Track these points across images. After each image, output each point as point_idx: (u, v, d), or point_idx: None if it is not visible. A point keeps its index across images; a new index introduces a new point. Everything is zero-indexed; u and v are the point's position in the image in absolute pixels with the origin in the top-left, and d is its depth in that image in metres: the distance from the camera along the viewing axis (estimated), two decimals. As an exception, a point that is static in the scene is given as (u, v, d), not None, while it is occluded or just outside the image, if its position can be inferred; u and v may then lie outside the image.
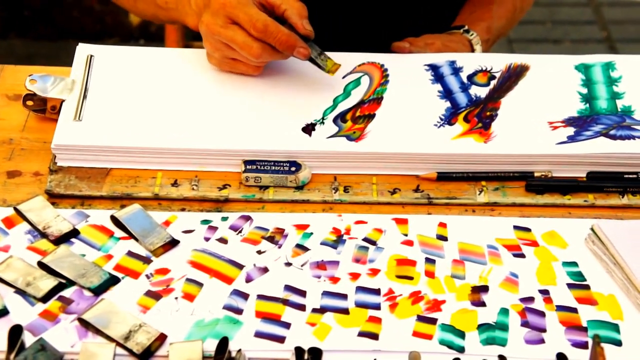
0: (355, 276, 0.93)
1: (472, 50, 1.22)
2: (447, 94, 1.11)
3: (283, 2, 1.06)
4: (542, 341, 0.88)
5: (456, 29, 1.24)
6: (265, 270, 0.93)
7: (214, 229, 0.97)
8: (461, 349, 0.87)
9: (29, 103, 1.09)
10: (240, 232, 0.97)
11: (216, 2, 1.05)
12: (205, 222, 0.98)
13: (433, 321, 0.89)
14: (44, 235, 0.96)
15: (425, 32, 1.22)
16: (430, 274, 0.94)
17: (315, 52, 1.06)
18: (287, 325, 0.88)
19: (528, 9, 1.34)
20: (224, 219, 0.98)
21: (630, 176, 1.04)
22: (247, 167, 1.02)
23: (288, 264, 0.94)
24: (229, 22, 1.04)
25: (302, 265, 0.94)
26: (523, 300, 0.91)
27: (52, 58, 2.66)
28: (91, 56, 1.13)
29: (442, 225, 0.99)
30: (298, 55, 1.04)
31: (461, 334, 0.88)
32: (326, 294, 0.91)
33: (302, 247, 0.96)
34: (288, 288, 0.92)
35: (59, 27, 2.78)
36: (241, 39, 1.04)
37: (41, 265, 0.92)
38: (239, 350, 0.85)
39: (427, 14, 1.28)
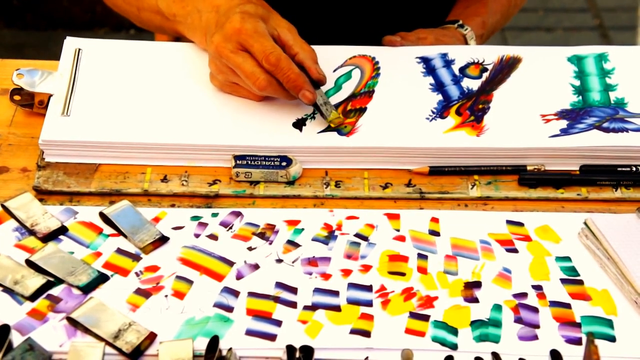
0: (346, 272, 0.92)
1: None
2: (439, 86, 1.10)
3: (295, 44, 1.04)
4: (535, 337, 0.87)
5: (450, 24, 1.23)
6: (256, 267, 0.93)
7: (204, 225, 0.96)
8: (454, 346, 0.86)
9: (16, 98, 1.08)
10: (230, 228, 0.96)
11: (231, 27, 1.02)
12: (195, 218, 0.97)
13: (426, 318, 0.88)
14: (31, 232, 0.94)
15: (419, 26, 1.21)
16: (422, 270, 0.93)
17: (322, 99, 1.03)
18: (278, 323, 0.87)
19: (522, 4, 1.32)
20: (214, 215, 0.97)
21: (624, 169, 1.03)
22: (238, 162, 1.01)
23: (279, 261, 0.93)
24: (239, 49, 1.02)
25: (293, 262, 0.93)
26: (516, 296, 0.91)
27: (41, 48, 2.64)
28: (79, 50, 1.11)
29: (435, 220, 0.98)
30: (303, 98, 1.02)
31: (454, 331, 0.87)
32: (318, 290, 0.90)
33: (293, 244, 0.95)
34: (279, 285, 0.91)
35: (48, 17, 2.76)
36: (249, 68, 1.01)
37: (29, 263, 0.91)
38: (230, 349, 0.84)
39: (421, 7, 1.26)
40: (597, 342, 0.83)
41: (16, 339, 0.84)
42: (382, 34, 1.16)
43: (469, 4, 1.25)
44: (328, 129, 1.04)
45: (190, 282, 0.91)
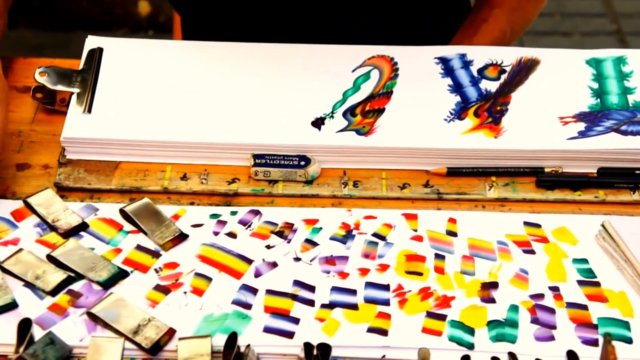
0: (364, 272, 0.93)
1: None
2: (457, 88, 1.10)
3: None
4: (552, 338, 0.87)
5: None
6: (274, 265, 0.93)
7: (223, 223, 0.97)
8: (471, 346, 0.87)
9: (38, 95, 1.09)
10: (249, 226, 0.97)
11: None
12: (214, 216, 0.98)
13: (442, 317, 0.89)
14: (53, 228, 0.95)
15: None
16: (439, 270, 0.93)
17: None
18: (296, 321, 0.88)
19: (525, 28, 1.31)
20: (233, 213, 0.98)
21: (642, 172, 1.03)
22: (257, 161, 1.02)
23: (297, 259, 0.94)
24: None
25: (311, 260, 0.94)
26: (533, 296, 0.91)
27: (60, 48, 2.66)
28: (100, 48, 1.12)
29: (452, 220, 0.98)
30: None
31: (471, 331, 0.88)
32: (335, 289, 0.91)
33: (311, 242, 0.96)
34: (297, 283, 0.91)
35: (67, 18, 2.78)
36: None
37: (50, 258, 0.92)
38: (248, 346, 0.84)
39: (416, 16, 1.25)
40: (614, 343, 0.84)
41: (37, 333, 0.85)
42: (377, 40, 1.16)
43: (459, 40, 1.24)
44: (347, 128, 1.05)
45: (209, 279, 0.91)
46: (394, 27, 1.23)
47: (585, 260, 0.95)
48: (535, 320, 0.89)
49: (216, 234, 0.96)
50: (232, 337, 0.84)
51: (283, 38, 1.15)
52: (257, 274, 0.92)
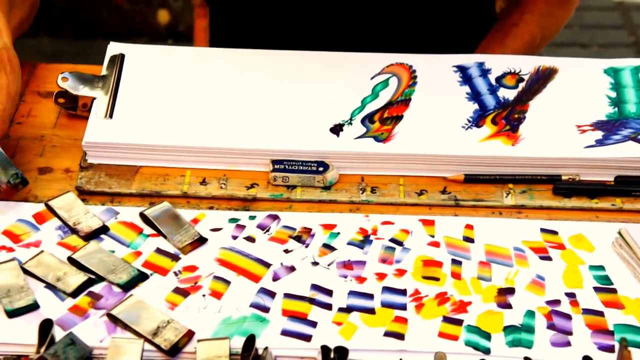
0: (381, 276, 0.94)
1: None
2: (475, 95, 1.11)
3: None
4: (568, 344, 0.88)
5: None
6: (292, 269, 0.94)
7: (241, 227, 0.98)
8: (487, 351, 0.87)
9: (60, 100, 1.10)
10: (267, 231, 0.98)
11: None
12: (233, 220, 0.99)
13: (459, 322, 0.89)
14: (74, 231, 0.97)
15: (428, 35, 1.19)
16: (456, 275, 0.94)
17: None
18: (313, 324, 0.89)
19: (555, 34, 1.31)
20: (252, 217, 0.99)
21: (659, 180, 1.03)
22: (275, 166, 1.03)
23: (315, 264, 0.95)
24: None
25: (328, 265, 0.95)
26: (549, 302, 0.91)
27: (79, 57, 2.68)
28: (122, 55, 1.14)
29: (469, 227, 0.99)
30: None
31: (487, 336, 0.88)
32: (352, 293, 0.92)
33: (329, 247, 0.96)
34: (315, 287, 0.92)
35: (87, 27, 2.80)
36: None
37: (71, 260, 0.93)
38: (266, 348, 0.85)
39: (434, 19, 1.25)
40: (630, 349, 0.84)
41: (58, 333, 0.86)
42: (395, 45, 1.16)
43: (489, 44, 1.25)
44: (365, 135, 1.06)
45: (227, 282, 0.92)
46: (417, 37, 1.24)
47: (601, 267, 0.95)
48: (551, 326, 0.89)
49: (235, 238, 0.97)
50: (250, 340, 0.85)
51: (304, 42, 1.16)
52: (275, 278, 0.93)
